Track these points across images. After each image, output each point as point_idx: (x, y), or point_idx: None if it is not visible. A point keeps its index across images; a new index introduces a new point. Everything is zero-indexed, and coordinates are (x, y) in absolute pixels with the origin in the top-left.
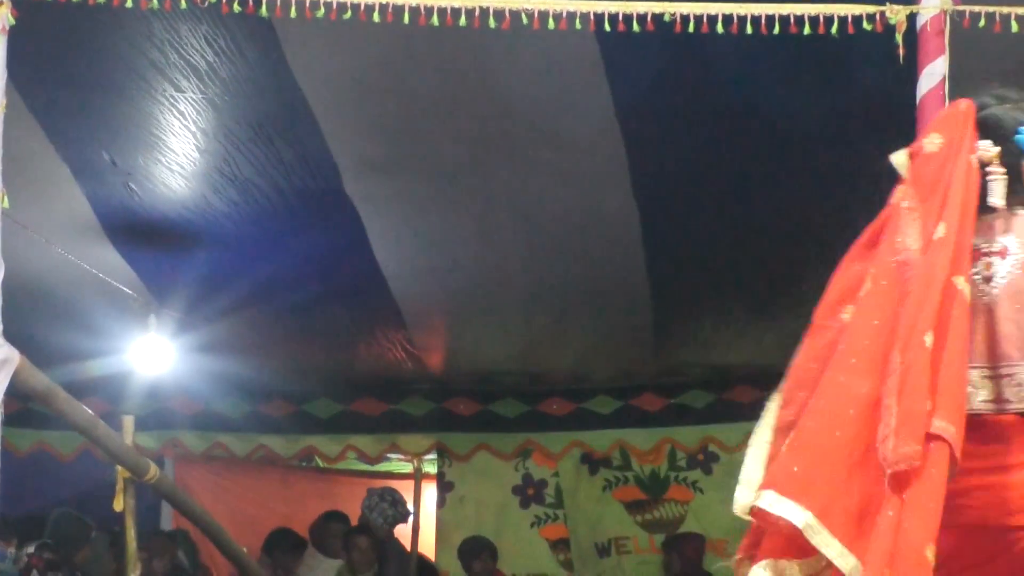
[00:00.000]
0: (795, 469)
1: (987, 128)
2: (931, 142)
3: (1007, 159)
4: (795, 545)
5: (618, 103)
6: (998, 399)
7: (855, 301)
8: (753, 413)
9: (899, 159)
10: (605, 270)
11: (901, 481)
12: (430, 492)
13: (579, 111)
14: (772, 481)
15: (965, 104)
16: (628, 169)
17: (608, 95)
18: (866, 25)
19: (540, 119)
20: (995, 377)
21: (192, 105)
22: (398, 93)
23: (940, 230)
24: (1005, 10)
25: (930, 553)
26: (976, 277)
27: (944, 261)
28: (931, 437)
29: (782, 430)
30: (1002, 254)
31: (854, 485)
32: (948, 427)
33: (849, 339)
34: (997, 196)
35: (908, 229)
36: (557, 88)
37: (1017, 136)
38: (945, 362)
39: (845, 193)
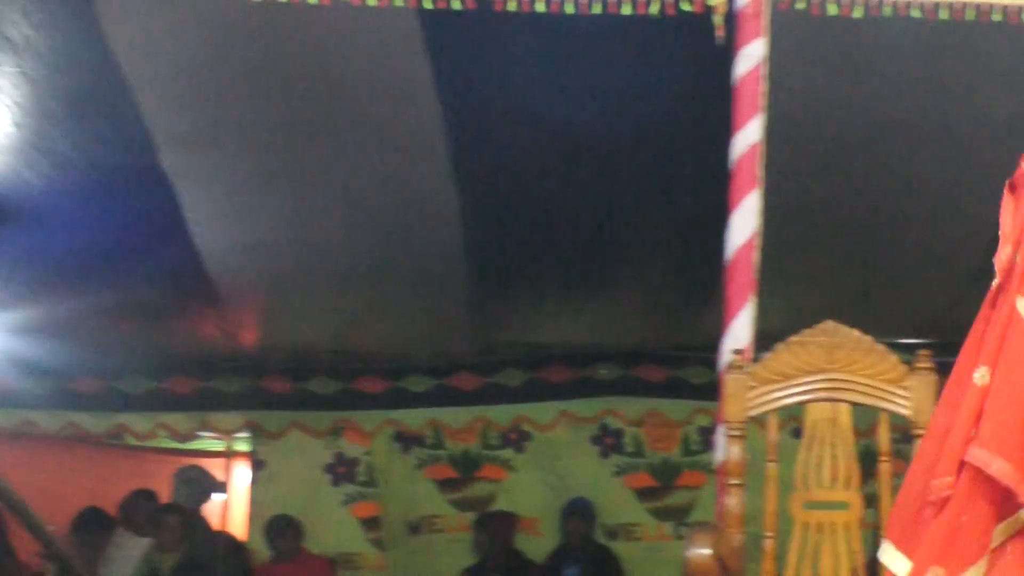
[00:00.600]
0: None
1: None
2: None
3: None
4: None
5: (439, 82)
6: None
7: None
8: (567, 392)
9: (1007, 189)
10: (422, 249)
11: (935, 507)
12: (242, 470)
13: (399, 90)
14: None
15: None
16: (447, 148)
17: (429, 74)
18: (685, 6)
19: (359, 97)
20: None
21: (7, 79)
22: (216, 69)
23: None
24: None
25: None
26: None
27: (1014, 286)
28: (966, 466)
29: None
30: None
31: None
32: (989, 457)
33: (955, 369)
34: None
35: (1002, 250)
36: (378, 66)
37: None
38: (995, 393)
39: (662, 172)
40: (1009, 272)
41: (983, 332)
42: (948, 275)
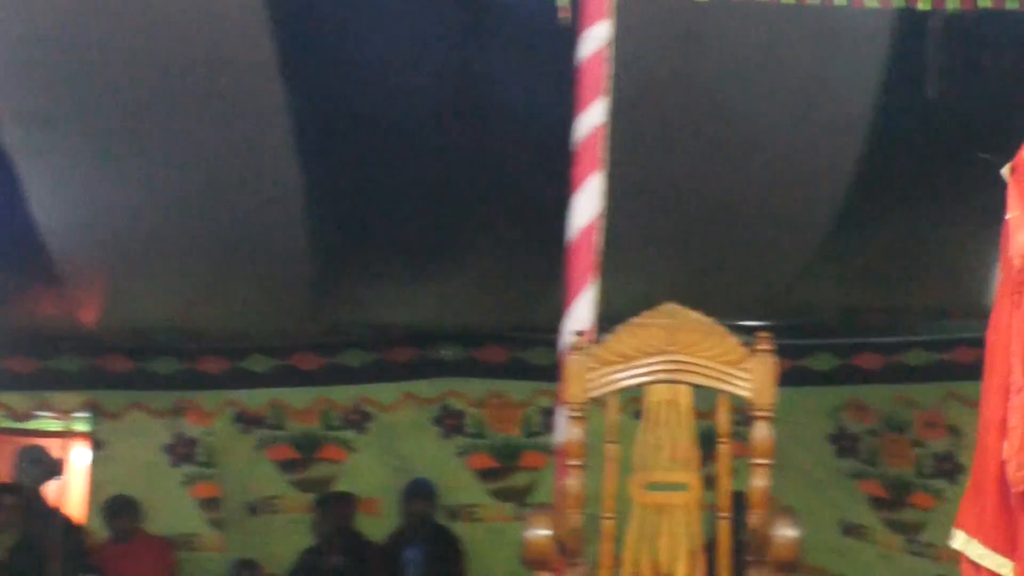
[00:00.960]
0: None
1: None
2: None
3: None
4: None
5: (283, 59)
6: None
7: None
8: (410, 373)
9: (1005, 171)
10: (264, 227)
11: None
12: (81, 450)
13: (242, 65)
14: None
15: None
16: (290, 125)
17: (272, 51)
18: None
19: (202, 73)
20: None
21: None
22: (59, 45)
23: None
24: None
25: None
26: None
27: None
28: None
29: None
30: None
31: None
32: None
33: (986, 362)
34: None
35: (1017, 237)
36: (220, 42)
37: None
38: None
39: (507, 153)
40: None
41: (1007, 319)
42: (788, 258)
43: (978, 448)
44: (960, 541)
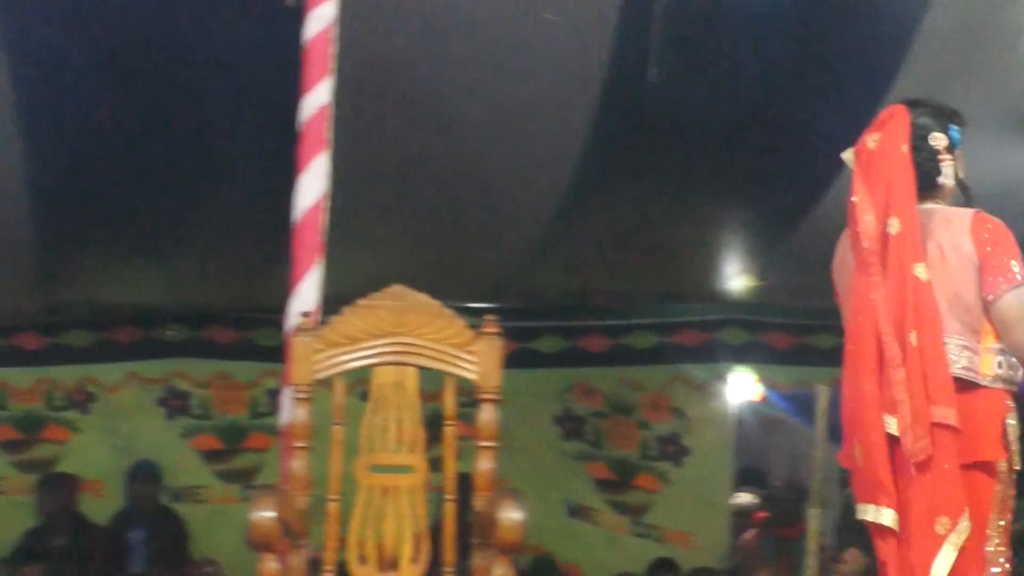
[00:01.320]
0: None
1: (919, 127)
2: (872, 140)
3: (922, 156)
4: None
5: (5, 31)
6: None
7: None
8: (135, 353)
9: (848, 156)
10: None
11: (920, 467)
12: None
13: None
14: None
15: (900, 107)
16: (12, 97)
17: None
18: None
19: None
20: None
21: None
22: None
23: (894, 224)
24: None
25: (940, 526)
26: None
27: (905, 255)
28: (936, 426)
29: None
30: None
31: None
32: (948, 412)
33: (851, 341)
34: (948, 177)
35: (864, 219)
36: None
37: (950, 133)
38: (928, 354)
39: (233, 132)
40: (883, 241)
41: (868, 299)
42: (516, 241)
43: (859, 426)
44: (871, 513)
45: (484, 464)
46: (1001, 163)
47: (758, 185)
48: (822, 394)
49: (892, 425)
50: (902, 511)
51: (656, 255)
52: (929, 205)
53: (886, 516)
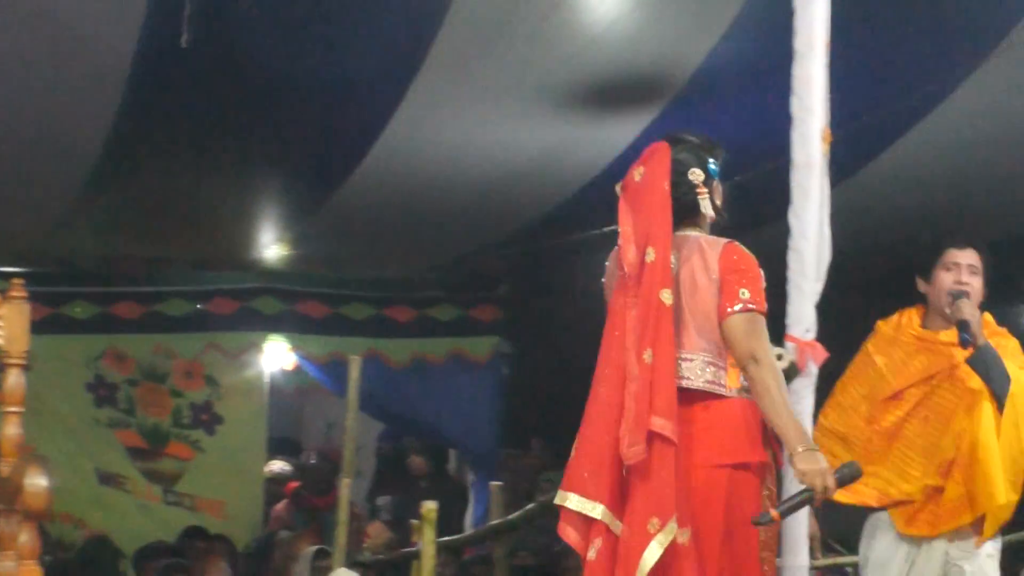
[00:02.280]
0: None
1: (679, 163)
2: (638, 173)
3: (681, 191)
4: None
5: None
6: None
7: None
8: None
9: (618, 188)
10: None
11: (634, 470)
12: None
13: None
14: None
15: (663, 143)
16: None
17: None
18: None
19: None
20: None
21: None
22: None
23: (651, 254)
24: None
25: (651, 525)
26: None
27: (656, 281)
28: (653, 434)
29: None
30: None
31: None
32: (666, 423)
33: (603, 351)
34: (707, 208)
35: (627, 248)
36: None
37: (708, 167)
38: (660, 371)
39: None
40: (640, 268)
41: (624, 317)
42: (46, 206)
43: (595, 422)
44: (568, 500)
45: (10, 430)
46: (537, 136)
47: (293, 154)
48: (354, 364)
49: (621, 429)
50: (619, 508)
51: (190, 222)
52: (690, 232)
53: (597, 510)
